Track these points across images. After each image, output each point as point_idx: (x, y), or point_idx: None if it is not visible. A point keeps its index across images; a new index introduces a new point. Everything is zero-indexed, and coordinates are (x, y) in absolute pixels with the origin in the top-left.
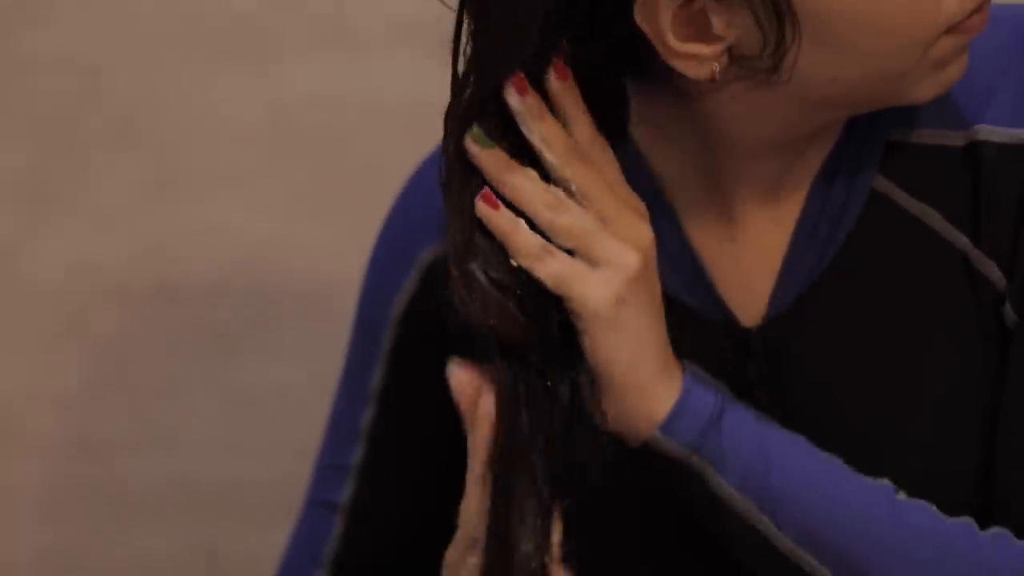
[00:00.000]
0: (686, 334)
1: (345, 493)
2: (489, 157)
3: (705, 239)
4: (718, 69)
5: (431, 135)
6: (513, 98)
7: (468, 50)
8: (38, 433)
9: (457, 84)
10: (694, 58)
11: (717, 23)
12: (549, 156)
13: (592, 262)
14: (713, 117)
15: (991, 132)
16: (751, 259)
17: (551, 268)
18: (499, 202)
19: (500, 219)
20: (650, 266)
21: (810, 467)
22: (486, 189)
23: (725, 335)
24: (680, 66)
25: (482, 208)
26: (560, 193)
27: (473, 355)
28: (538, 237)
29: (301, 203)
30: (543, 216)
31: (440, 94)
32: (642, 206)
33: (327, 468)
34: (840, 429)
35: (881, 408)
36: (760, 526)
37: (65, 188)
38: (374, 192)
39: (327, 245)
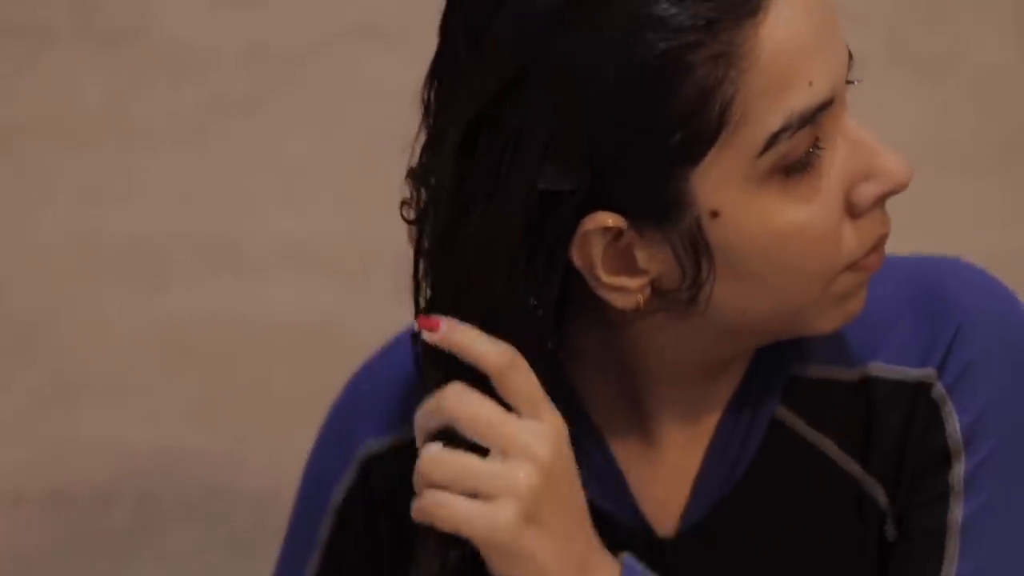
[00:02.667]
0: (608, 540)
1: None
2: None
3: (627, 455)
4: (642, 300)
5: (316, 354)
6: None
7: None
8: None
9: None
10: (621, 290)
11: (641, 257)
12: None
13: (484, 498)
14: (635, 345)
15: (882, 369)
16: (668, 476)
17: (443, 518)
18: None
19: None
20: (552, 481)
21: None
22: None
23: (644, 543)
24: (608, 296)
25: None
26: (434, 449)
27: (409, 546)
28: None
29: (191, 416)
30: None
31: (322, 314)
32: (549, 421)
33: None
34: None
35: None
36: None
37: None
38: (261, 406)
39: (215, 456)
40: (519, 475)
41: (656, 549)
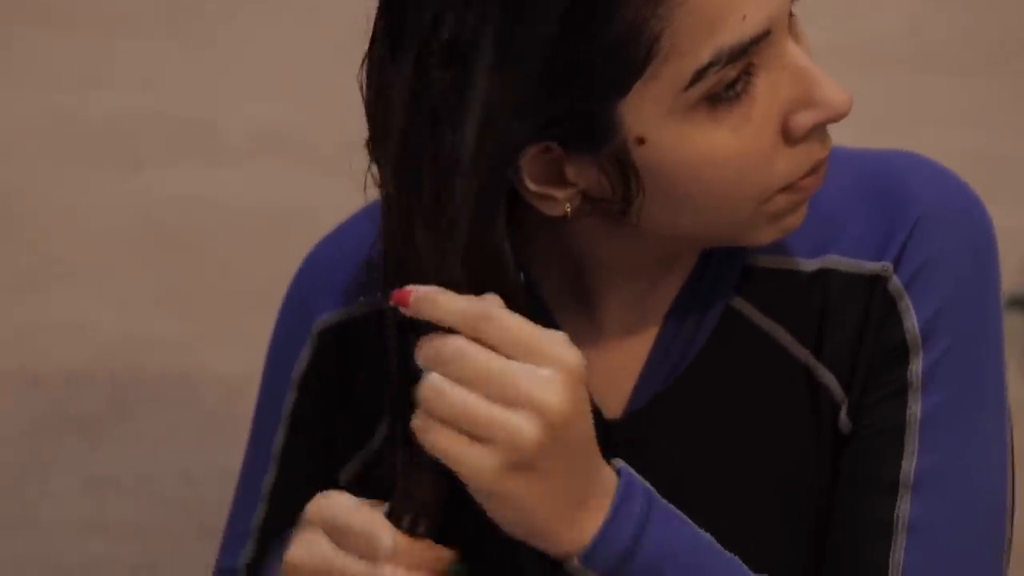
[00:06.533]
0: None
1: (245, 555)
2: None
3: (576, 337)
4: (571, 209)
5: (287, 239)
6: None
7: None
8: None
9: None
10: (548, 198)
11: (570, 172)
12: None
13: (480, 440)
14: (577, 240)
15: (838, 262)
16: (616, 359)
17: (430, 445)
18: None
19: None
20: (559, 431)
21: None
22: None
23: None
24: (536, 204)
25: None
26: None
27: (370, 417)
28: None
29: (162, 300)
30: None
31: (295, 200)
32: (554, 364)
33: (233, 536)
34: (689, 516)
35: (724, 500)
36: None
37: None
38: (229, 292)
39: (184, 340)
40: (522, 429)
41: (603, 431)
